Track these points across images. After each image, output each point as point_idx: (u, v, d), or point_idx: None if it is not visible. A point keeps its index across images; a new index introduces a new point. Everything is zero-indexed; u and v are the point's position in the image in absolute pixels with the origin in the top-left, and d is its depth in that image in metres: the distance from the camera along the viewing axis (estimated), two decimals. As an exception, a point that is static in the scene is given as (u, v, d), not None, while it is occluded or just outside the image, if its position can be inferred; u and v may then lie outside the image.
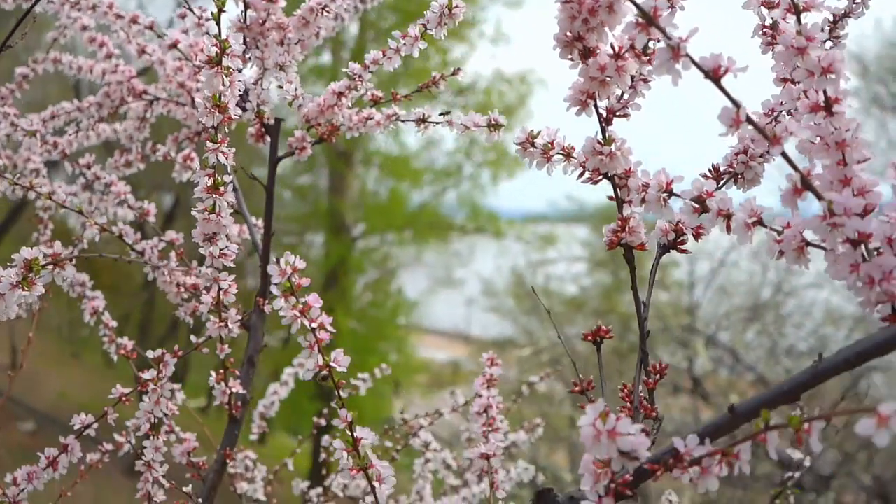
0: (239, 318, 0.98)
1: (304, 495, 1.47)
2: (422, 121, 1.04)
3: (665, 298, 9.26)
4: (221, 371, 1.03)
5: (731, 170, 0.74)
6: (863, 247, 0.58)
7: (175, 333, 9.50)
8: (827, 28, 0.78)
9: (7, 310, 0.74)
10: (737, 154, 0.74)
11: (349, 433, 0.71)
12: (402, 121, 1.05)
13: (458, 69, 1.10)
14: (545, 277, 9.86)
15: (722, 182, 0.75)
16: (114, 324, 1.18)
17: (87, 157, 1.24)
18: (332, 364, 0.69)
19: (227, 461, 1.06)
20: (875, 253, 0.58)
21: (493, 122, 0.91)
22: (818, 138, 0.60)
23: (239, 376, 1.05)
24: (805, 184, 0.56)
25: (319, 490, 1.46)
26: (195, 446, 1.09)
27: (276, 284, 0.67)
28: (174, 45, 1.13)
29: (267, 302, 1.04)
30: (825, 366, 0.54)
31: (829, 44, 0.78)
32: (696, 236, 0.73)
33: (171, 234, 1.12)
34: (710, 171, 0.75)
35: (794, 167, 0.56)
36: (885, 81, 9.85)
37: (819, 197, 0.56)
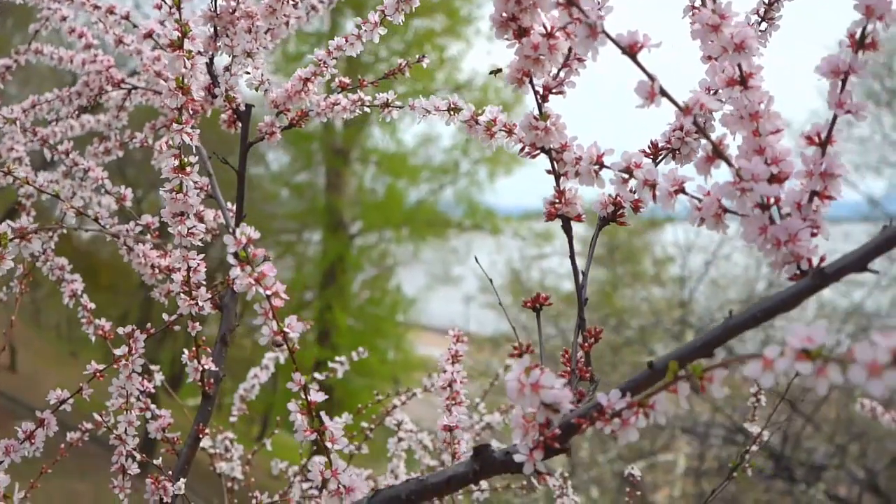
0: (209, 296, 1.02)
1: (282, 474, 1.50)
2: (385, 105, 1.07)
3: (660, 294, 9.29)
4: (194, 349, 1.07)
5: (668, 146, 0.78)
6: (775, 211, 0.61)
7: (173, 332, 9.55)
8: (762, 9, 0.82)
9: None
10: (674, 130, 0.78)
11: (304, 396, 0.74)
12: (368, 106, 1.09)
13: (423, 56, 1.14)
14: (541, 273, 9.89)
15: (660, 157, 0.78)
16: (92, 306, 1.21)
17: (65, 144, 1.28)
18: (286, 330, 0.72)
19: (200, 436, 1.10)
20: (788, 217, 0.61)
21: (452, 107, 0.95)
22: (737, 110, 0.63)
23: (211, 354, 1.09)
24: (716, 152, 0.60)
25: (296, 468, 1.50)
26: (170, 422, 1.13)
27: (231, 254, 0.70)
28: (149, 35, 1.17)
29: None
30: (735, 322, 0.58)
31: (763, 25, 0.82)
32: (635, 209, 0.77)
33: (146, 218, 1.16)
34: (648, 147, 0.78)
35: (707, 137, 0.60)
36: (879, 76, 9.88)
37: (730, 164, 0.60)
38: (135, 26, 1.23)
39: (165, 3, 1.10)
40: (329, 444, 0.74)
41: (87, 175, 1.24)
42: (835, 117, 0.60)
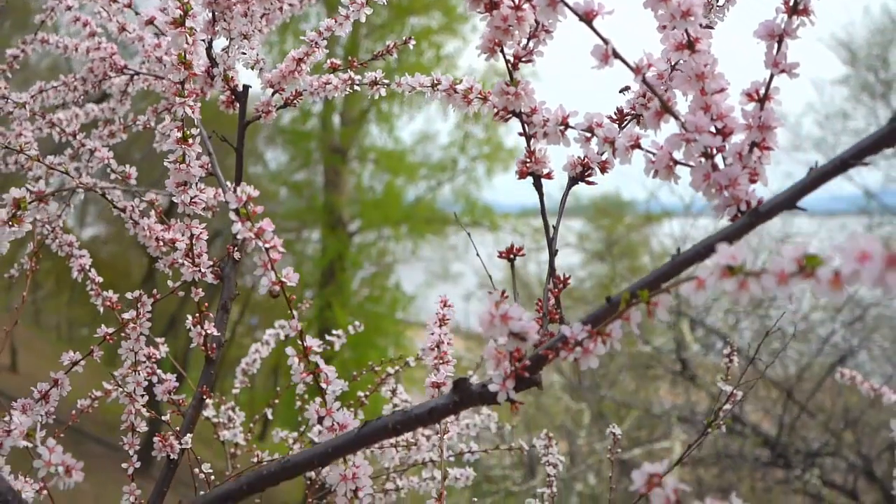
0: (210, 263, 1.09)
1: (284, 442, 1.57)
2: (374, 83, 1.14)
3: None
4: (197, 315, 1.14)
5: (632, 112, 0.85)
6: (720, 160, 0.68)
7: (173, 330, 9.63)
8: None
9: (0, 245, 0.85)
10: (637, 97, 0.85)
11: (300, 342, 0.81)
12: (357, 84, 1.16)
13: (410, 38, 1.21)
14: (539, 266, 9.97)
15: (625, 122, 0.85)
16: (100, 279, 1.28)
17: (72, 126, 1.34)
18: (283, 279, 0.79)
19: (205, 397, 1.17)
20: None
21: (434, 82, 1.02)
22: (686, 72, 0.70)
23: (213, 320, 1.16)
24: (664, 107, 0.67)
25: (296, 434, 1.57)
26: (175, 386, 1.20)
27: (233, 210, 0.77)
28: (150, 22, 1.23)
29: (236, 250, 1.14)
30: (681, 258, 0.65)
31: (721, 0, 0.89)
32: (602, 170, 0.84)
33: (150, 195, 1.23)
34: (614, 112, 0.85)
35: (656, 94, 0.67)
36: (874, 69, 9.95)
37: (676, 118, 0.66)
38: (137, 13, 1.29)
39: (166, -10, 1.16)
40: (323, 385, 0.81)
41: (93, 156, 1.31)
42: (771, 75, 0.67)
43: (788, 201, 0.62)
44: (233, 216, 0.78)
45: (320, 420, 0.80)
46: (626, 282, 10.27)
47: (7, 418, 0.82)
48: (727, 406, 1.26)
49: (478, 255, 1.22)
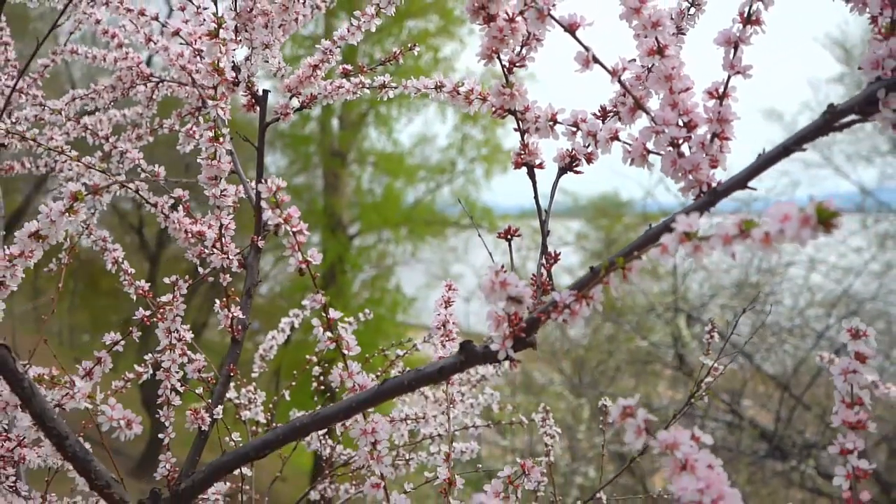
0: (238, 251, 1.20)
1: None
2: (383, 86, 1.26)
3: (656, 288, 9.49)
4: (225, 299, 1.25)
5: (614, 109, 0.96)
6: (686, 149, 0.80)
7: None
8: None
9: (57, 233, 0.96)
10: (618, 97, 0.96)
11: (324, 315, 0.93)
12: (368, 88, 1.28)
13: (415, 44, 1.33)
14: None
15: (607, 118, 0.96)
16: (132, 270, 1.39)
17: (105, 130, 1.46)
18: (309, 259, 0.91)
19: (231, 374, 1.28)
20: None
21: (438, 84, 1.13)
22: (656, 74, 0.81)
23: (240, 303, 1.27)
24: (637, 104, 0.78)
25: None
26: (204, 364, 1.31)
27: (264, 199, 0.89)
28: (176, 33, 1.35)
29: (261, 239, 1.25)
30: (652, 231, 0.76)
31: (692, 10, 1.00)
32: (588, 160, 0.95)
33: (178, 192, 1.34)
34: (598, 110, 0.97)
35: (630, 93, 0.78)
36: (868, 67, 10.06)
37: (647, 113, 0.78)
38: (163, 26, 1.41)
39: (192, 2, 1.29)
40: (345, 352, 0.92)
41: (123, 157, 1.42)
42: (728, 76, 0.79)
43: (741, 182, 0.73)
44: (263, 204, 0.89)
45: (342, 382, 0.91)
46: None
47: (69, 383, 0.93)
48: (708, 379, 1.37)
49: (485, 245, 1.32)
